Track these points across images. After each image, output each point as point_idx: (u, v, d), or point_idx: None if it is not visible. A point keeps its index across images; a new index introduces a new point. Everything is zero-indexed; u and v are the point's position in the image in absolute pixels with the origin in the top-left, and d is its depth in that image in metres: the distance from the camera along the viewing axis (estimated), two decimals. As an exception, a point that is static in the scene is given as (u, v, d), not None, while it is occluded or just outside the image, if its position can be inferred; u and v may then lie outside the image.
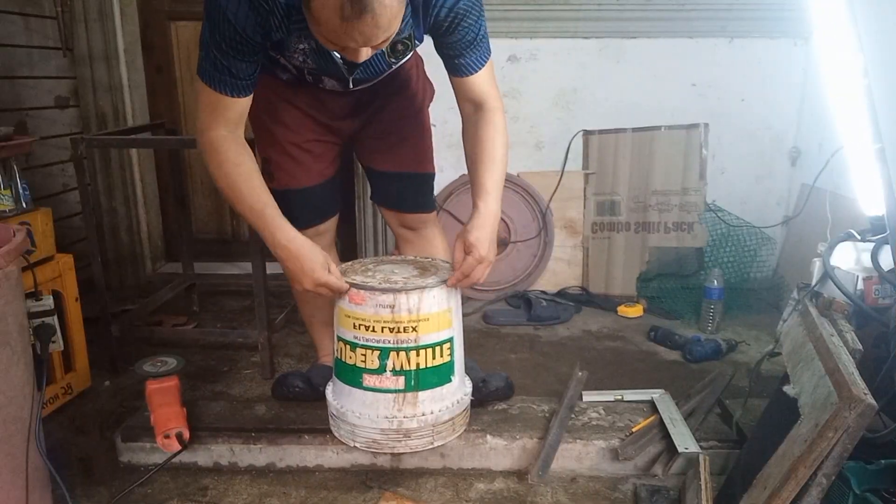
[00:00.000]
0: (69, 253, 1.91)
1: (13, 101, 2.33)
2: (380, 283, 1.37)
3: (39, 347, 1.44)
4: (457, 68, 1.47)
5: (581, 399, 1.79)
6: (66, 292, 1.85)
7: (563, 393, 1.79)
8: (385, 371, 1.37)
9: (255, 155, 1.56)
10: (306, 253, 1.36)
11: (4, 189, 1.76)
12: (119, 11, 2.64)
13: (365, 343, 1.38)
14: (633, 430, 1.62)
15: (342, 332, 1.42)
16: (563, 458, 1.59)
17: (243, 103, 1.37)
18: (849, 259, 1.43)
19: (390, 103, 1.64)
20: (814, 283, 1.47)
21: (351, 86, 1.50)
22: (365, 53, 1.21)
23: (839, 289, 1.37)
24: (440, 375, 1.41)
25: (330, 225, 1.72)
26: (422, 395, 1.39)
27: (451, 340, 1.42)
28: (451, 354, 1.42)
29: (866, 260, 1.39)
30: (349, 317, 1.38)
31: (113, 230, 2.78)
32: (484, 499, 1.52)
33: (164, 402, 1.59)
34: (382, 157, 1.69)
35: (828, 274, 1.40)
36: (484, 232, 1.41)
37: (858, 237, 1.44)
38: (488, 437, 1.61)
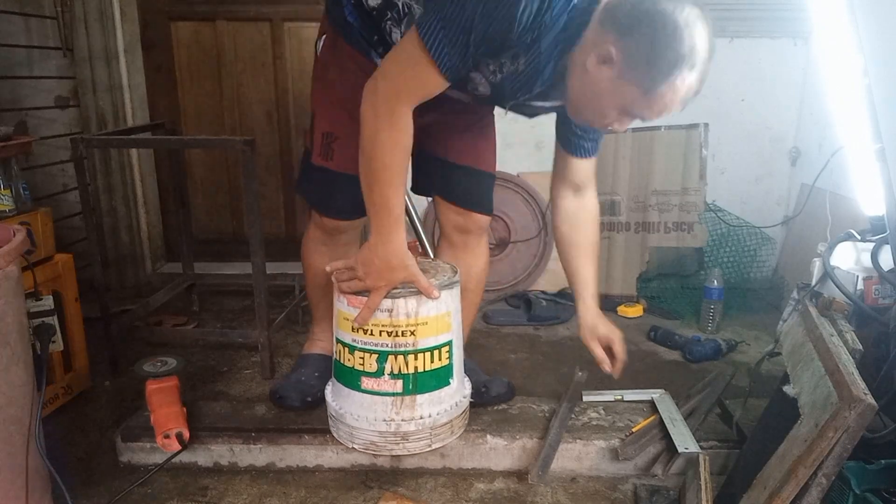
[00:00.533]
0: (69, 253, 1.91)
1: (13, 101, 2.33)
2: None
3: (39, 347, 1.44)
4: (576, 148, 1.50)
5: (581, 399, 1.79)
6: (66, 292, 1.85)
7: (562, 393, 1.79)
8: (383, 374, 1.37)
9: (312, 125, 1.56)
10: (397, 264, 1.32)
11: (4, 189, 1.75)
12: (119, 11, 2.64)
13: (363, 346, 1.37)
14: (633, 430, 1.62)
15: (341, 334, 1.42)
16: (563, 458, 1.59)
17: (440, 88, 1.25)
18: (849, 259, 1.43)
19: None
20: (814, 283, 1.47)
21: (507, 113, 1.43)
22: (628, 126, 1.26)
23: (839, 289, 1.37)
24: (438, 379, 1.41)
25: (361, 223, 1.67)
26: (420, 398, 1.39)
27: (449, 344, 1.42)
28: (450, 358, 1.42)
29: (866, 260, 1.39)
30: (347, 319, 1.38)
31: (113, 230, 2.77)
32: (484, 499, 1.52)
33: (164, 402, 1.59)
34: (463, 151, 1.65)
35: (828, 274, 1.40)
36: (605, 321, 1.59)
37: (858, 237, 1.44)
38: (488, 437, 1.61)
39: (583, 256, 1.58)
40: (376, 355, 1.37)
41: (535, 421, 1.67)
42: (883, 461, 1.13)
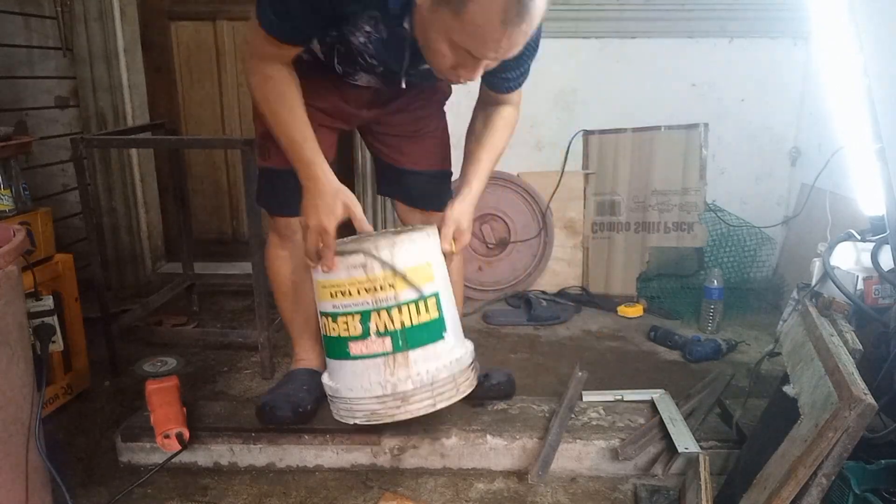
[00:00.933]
0: (69, 253, 1.91)
1: (13, 101, 2.33)
2: (348, 246, 1.33)
3: (39, 347, 1.44)
4: (497, 83, 1.48)
5: (581, 399, 1.79)
6: (66, 292, 1.85)
7: (562, 393, 1.79)
8: (369, 335, 1.33)
9: (255, 130, 1.61)
10: (329, 196, 1.34)
11: (4, 189, 1.76)
12: (119, 11, 2.64)
13: (344, 310, 1.33)
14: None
15: (323, 305, 1.39)
16: (563, 458, 1.59)
17: (298, 49, 1.36)
18: (849, 259, 1.43)
19: (416, 100, 1.62)
20: (814, 283, 1.47)
21: (404, 85, 1.43)
22: (482, 69, 1.21)
23: (839, 289, 1.37)
24: (430, 332, 1.36)
25: None
26: (413, 354, 1.34)
27: (436, 296, 1.37)
28: (439, 310, 1.37)
29: (866, 260, 1.39)
30: (325, 287, 1.35)
31: (113, 230, 2.78)
32: (484, 499, 1.52)
33: (164, 402, 1.59)
34: (409, 155, 1.68)
35: (828, 274, 1.40)
36: (469, 206, 1.49)
37: (858, 237, 1.44)
38: (488, 437, 1.61)
39: (481, 150, 1.53)
40: (359, 316, 1.33)
41: (535, 421, 1.67)
42: (883, 461, 1.13)
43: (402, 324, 1.34)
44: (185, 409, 1.61)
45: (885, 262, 1.36)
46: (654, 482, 1.55)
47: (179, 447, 1.55)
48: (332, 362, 1.44)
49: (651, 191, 2.69)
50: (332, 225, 1.33)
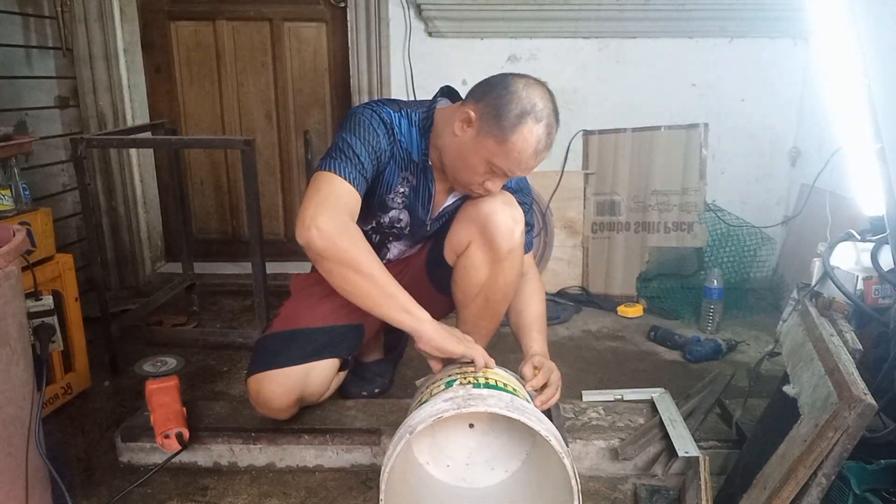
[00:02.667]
0: (69, 253, 1.91)
1: (13, 101, 2.33)
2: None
3: (39, 347, 1.44)
4: None
5: (581, 399, 1.79)
6: (66, 292, 1.85)
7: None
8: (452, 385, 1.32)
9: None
10: (446, 328, 1.41)
11: (4, 189, 1.76)
12: (119, 11, 2.65)
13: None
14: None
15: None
16: (563, 458, 1.59)
17: (358, 199, 1.40)
18: (849, 259, 1.43)
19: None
20: (814, 283, 1.47)
21: (428, 228, 1.63)
22: (500, 186, 1.49)
23: (839, 289, 1.37)
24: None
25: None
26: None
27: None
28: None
29: (866, 260, 1.39)
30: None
31: (113, 230, 2.78)
32: (484, 499, 1.52)
33: (164, 402, 1.59)
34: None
35: (828, 274, 1.40)
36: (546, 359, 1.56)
37: (858, 237, 1.44)
38: (488, 437, 1.61)
39: (532, 325, 1.66)
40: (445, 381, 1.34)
41: (535, 421, 1.67)
42: (883, 461, 1.13)
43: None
44: (185, 409, 1.60)
45: (885, 262, 1.36)
46: (653, 482, 1.55)
47: (179, 447, 1.55)
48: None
49: (651, 191, 2.69)
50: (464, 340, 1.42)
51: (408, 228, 1.63)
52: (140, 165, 2.81)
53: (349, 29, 2.68)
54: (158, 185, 2.93)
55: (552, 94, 1.43)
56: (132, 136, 2.29)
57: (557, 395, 1.50)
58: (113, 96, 2.65)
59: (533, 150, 1.38)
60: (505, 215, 1.53)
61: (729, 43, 2.69)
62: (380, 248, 1.66)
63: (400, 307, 1.36)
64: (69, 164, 2.52)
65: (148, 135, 2.42)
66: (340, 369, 1.67)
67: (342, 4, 2.73)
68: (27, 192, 1.83)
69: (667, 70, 2.70)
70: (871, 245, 1.40)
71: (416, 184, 1.55)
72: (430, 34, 2.66)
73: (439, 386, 1.33)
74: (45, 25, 2.49)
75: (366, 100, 2.68)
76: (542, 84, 1.42)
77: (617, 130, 2.72)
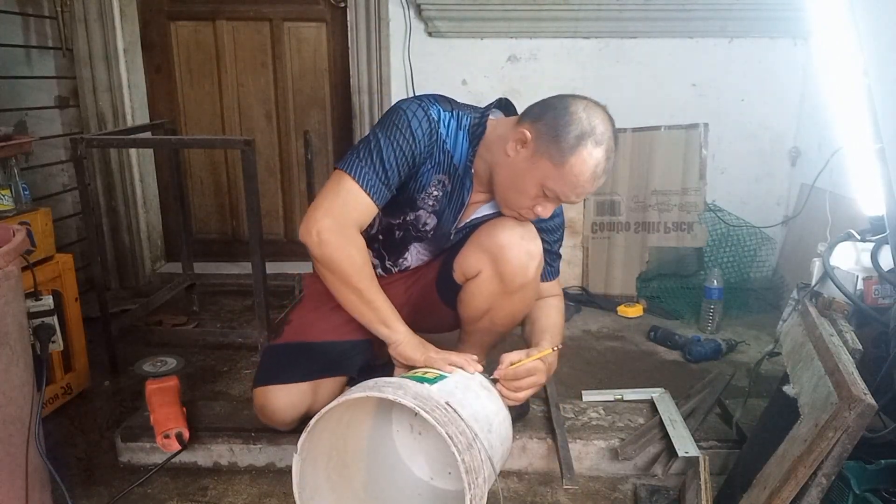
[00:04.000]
0: (69, 253, 1.91)
1: (13, 101, 2.33)
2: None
3: (39, 347, 1.44)
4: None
5: (581, 399, 1.79)
6: (66, 292, 1.85)
7: (547, 392, 1.79)
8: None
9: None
10: (418, 342, 1.42)
11: (4, 189, 1.76)
12: (119, 11, 2.64)
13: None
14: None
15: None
16: (562, 458, 1.59)
17: (374, 210, 1.40)
18: (849, 259, 1.43)
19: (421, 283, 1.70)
20: (814, 283, 1.47)
21: (451, 237, 1.57)
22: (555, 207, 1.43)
23: (839, 289, 1.37)
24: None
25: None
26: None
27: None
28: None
29: (866, 260, 1.39)
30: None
31: (113, 230, 2.78)
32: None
33: (164, 402, 1.59)
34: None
35: (828, 274, 1.40)
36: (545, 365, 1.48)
37: (858, 237, 1.44)
38: (488, 437, 1.61)
39: (545, 330, 1.58)
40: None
41: (534, 421, 1.67)
42: (883, 461, 1.13)
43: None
44: (185, 409, 1.61)
45: (885, 262, 1.36)
46: (653, 482, 1.55)
47: (179, 447, 1.55)
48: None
49: (651, 191, 2.69)
50: (443, 352, 1.41)
51: (432, 233, 1.57)
52: (140, 165, 2.81)
53: (349, 29, 2.68)
54: (158, 185, 2.93)
55: (612, 119, 1.37)
56: (132, 136, 2.29)
57: (535, 383, 1.45)
58: (113, 96, 2.65)
59: (591, 173, 1.32)
60: (520, 250, 1.46)
61: (729, 43, 2.69)
62: (400, 249, 1.61)
63: (379, 320, 1.41)
64: (69, 164, 2.52)
65: (148, 135, 2.42)
66: (347, 384, 1.67)
67: (342, 4, 2.73)
68: (27, 192, 1.83)
69: (667, 70, 2.70)
70: (871, 245, 1.40)
71: (450, 189, 1.49)
72: (430, 34, 2.66)
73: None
74: (45, 25, 2.49)
75: (366, 100, 2.69)
76: (603, 108, 1.37)
77: (617, 130, 2.71)
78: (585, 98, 1.37)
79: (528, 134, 1.34)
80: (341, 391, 1.62)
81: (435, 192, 1.48)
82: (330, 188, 1.37)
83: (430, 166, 1.44)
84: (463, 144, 1.44)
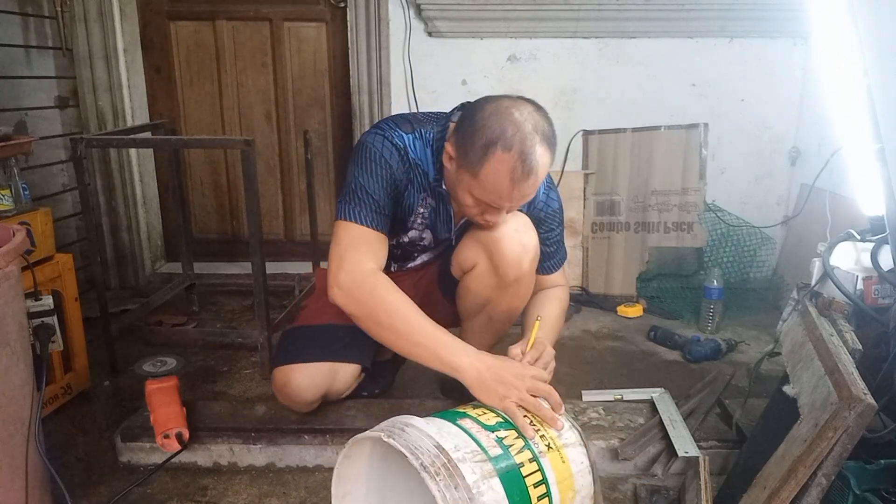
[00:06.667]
0: (69, 253, 1.91)
1: (13, 101, 2.33)
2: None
3: (39, 347, 1.44)
4: (539, 268, 1.58)
5: (581, 399, 1.79)
6: (66, 292, 1.85)
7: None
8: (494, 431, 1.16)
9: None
10: (500, 360, 1.29)
11: (4, 189, 1.76)
12: (119, 11, 2.64)
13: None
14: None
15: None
16: (562, 458, 1.59)
17: (385, 240, 1.42)
18: (848, 259, 1.43)
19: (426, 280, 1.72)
20: (813, 283, 1.47)
21: (454, 242, 1.59)
22: (503, 214, 1.40)
23: (839, 289, 1.37)
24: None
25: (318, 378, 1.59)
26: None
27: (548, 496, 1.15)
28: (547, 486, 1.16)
29: (866, 260, 1.39)
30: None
31: (113, 230, 2.78)
32: (484, 499, 1.52)
33: (164, 402, 1.59)
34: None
35: (827, 274, 1.40)
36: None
37: (858, 237, 1.44)
38: (488, 437, 1.61)
39: (544, 321, 1.51)
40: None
41: (534, 421, 1.67)
42: (883, 461, 1.13)
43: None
44: (185, 409, 1.61)
45: (885, 262, 1.36)
46: (653, 482, 1.55)
47: (179, 447, 1.55)
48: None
49: (651, 191, 2.69)
50: (534, 368, 1.35)
51: (432, 245, 1.63)
52: (140, 165, 2.81)
53: (349, 29, 2.68)
54: (158, 185, 2.93)
55: (535, 113, 1.28)
56: (132, 136, 2.29)
57: (550, 370, 1.41)
58: (113, 96, 2.65)
59: (508, 179, 1.26)
60: (514, 243, 1.46)
61: (729, 43, 2.69)
62: (405, 259, 1.67)
63: (432, 356, 1.30)
64: (69, 163, 2.51)
65: (148, 135, 2.42)
66: (361, 372, 1.70)
67: (342, 4, 2.73)
68: (27, 192, 1.83)
69: (667, 70, 2.70)
70: (870, 245, 1.40)
71: (435, 205, 1.51)
72: (430, 34, 2.66)
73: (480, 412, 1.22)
74: (44, 25, 2.49)
75: (366, 100, 2.69)
76: (520, 104, 1.28)
77: (617, 130, 2.72)
78: (500, 99, 1.30)
79: (449, 149, 1.36)
80: (357, 377, 1.67)
81: (422, 211, 1.52)
82: (336, 242, 1.39)
83: (412, 190, 1.46)
84: (432, 160, 1.45)
